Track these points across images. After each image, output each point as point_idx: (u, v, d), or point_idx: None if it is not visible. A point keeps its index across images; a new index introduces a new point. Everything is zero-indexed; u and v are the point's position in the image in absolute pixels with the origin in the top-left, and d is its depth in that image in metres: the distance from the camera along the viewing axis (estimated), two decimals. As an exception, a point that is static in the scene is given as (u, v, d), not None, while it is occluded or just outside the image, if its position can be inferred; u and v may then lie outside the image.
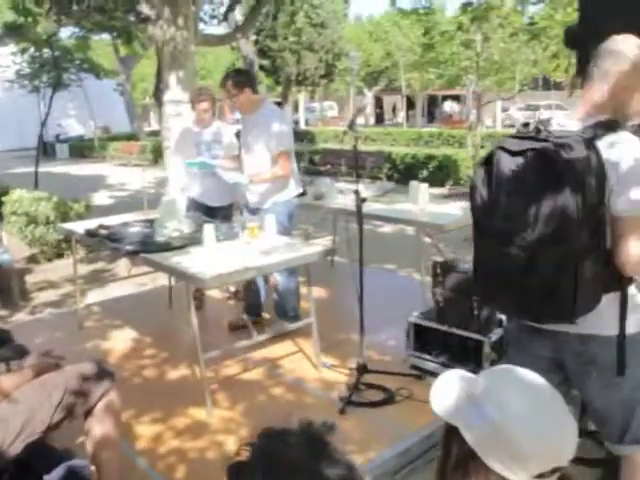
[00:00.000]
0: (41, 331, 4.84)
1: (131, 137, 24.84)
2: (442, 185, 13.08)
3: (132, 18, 6.44)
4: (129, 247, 3.75)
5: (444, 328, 3.64)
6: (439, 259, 3.90)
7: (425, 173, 13.49)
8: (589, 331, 1.94)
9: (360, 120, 36.93)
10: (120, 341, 4.57)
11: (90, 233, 4.23)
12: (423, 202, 4.83)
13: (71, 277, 6.69)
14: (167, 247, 3.70)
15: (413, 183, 5.02)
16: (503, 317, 3.56)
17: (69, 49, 18.12)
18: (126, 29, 5.88)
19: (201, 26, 8.26)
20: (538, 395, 1.17)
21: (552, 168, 1.77)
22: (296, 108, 36.67)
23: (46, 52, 16.60)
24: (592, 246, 1.80)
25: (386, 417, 3.33)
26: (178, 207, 4.15)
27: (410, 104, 37.15)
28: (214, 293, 5.46)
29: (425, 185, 4.91)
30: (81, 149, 25.98)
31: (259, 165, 4.30)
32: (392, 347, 4.15)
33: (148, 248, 3.71)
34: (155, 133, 23.66)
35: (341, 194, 5.42)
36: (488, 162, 1.93)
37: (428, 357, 3.74)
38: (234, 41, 8.08)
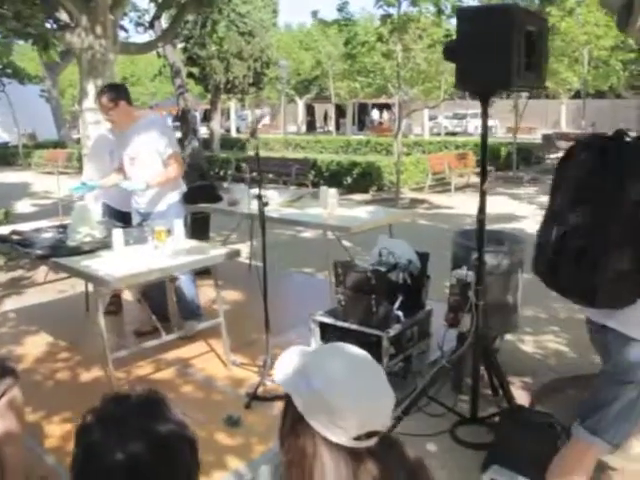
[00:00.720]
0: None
1: (57, 144, 24.30)
2: (366, 191, 13.42)
3: (51, 25, 6.45)
4: (39, 252, 3.83)
5: (346, 325, 3.86)
6: (342, 260, 4.12)
7: (349, 180, 13.81)
8: (613, 325, 2.10)
9: (292, 128, 37.32)
10: (34, 346, 4.61)
11: (1, 239, 4.27)
12: (332, 206, 5.05)
13: (-14, 285, 6.66)
14: (77, 251, 3.79)
15: (322, 188, 5.25)
16: (400, 314, 3.82)
17: (-10, 54, 17.68)
18: (43, 36, 5.88)
19: (125, 34, 8.32)
20: (358, 367, 1.33)
21: (606, 160, 1.98)
22: (228, 116, 36.65)
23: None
24: (628, 243, 1.94)
25: (289, 409, 3.51)
26: (90, 213, 4.23)
27: (341, 112, 37.68)
28: (131, 297, 5.54)
29: (334, 190, 5.14)
30: (5, 156, 25.23)
31: (150, 172, 4.41)
32: (299, 345, 4.33)
33: (58, 252, 3.79)
34: (83, 140, 23.20)
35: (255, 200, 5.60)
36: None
37: (332, 353, 3.94)
38: (155, 49, 8.12)
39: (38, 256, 3.82)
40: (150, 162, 4.43)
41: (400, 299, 3.76)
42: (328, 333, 4.00)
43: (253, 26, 17.82)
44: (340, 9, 10.16)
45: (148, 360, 4.24)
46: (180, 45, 19.70)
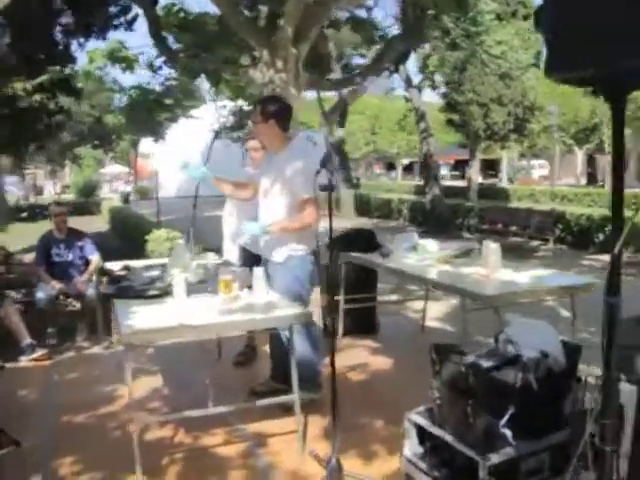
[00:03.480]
0: (95, 366, 5.07)
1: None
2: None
3: (245, 62, 6.42)
4: (109, 291, 3.50)
5: (439, 433, 2.83)
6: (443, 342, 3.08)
7: (601, 236, 11.86)
8: None
9: (570, 180, 34.59)
10: (139, 387, 4.26)
11: (106, 271, 4.08)
12: (493, 266, 4.01)
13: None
14: (142, 294, 3.36)
15: (485, 242, 4.22)
16: (509, 432, 2.66)
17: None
18: (216, 72, 5.84)
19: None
20: None
21: None
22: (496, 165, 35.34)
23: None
24: None
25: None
26: (186, 254, 3.80)
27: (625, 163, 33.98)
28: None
29: (496, 245, 4.08)
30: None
31: (277, 212, 3.73)
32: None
33: (123, 294, 3.40)
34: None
35: (412, 251, 4.73)
36: None
37: (423, 467, 2.92)
38: (351, 85, 7.62)
39: (106, 295, 3.49)
40: (280, 201, 3.73)
41: (511, 410, 2.62)
42: (422, 439, 2.99)
43: (509, 68, 16.58)
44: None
45: (228, 428, 3.63)
46: (441, 90, 19.30)
